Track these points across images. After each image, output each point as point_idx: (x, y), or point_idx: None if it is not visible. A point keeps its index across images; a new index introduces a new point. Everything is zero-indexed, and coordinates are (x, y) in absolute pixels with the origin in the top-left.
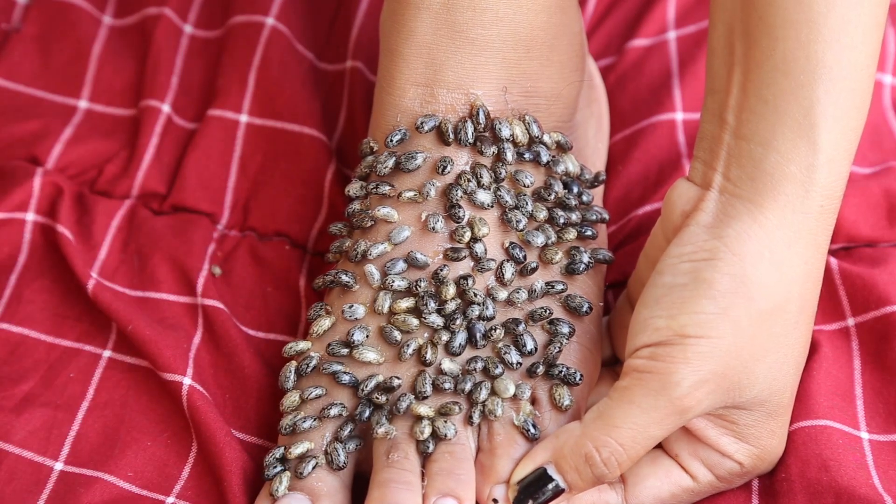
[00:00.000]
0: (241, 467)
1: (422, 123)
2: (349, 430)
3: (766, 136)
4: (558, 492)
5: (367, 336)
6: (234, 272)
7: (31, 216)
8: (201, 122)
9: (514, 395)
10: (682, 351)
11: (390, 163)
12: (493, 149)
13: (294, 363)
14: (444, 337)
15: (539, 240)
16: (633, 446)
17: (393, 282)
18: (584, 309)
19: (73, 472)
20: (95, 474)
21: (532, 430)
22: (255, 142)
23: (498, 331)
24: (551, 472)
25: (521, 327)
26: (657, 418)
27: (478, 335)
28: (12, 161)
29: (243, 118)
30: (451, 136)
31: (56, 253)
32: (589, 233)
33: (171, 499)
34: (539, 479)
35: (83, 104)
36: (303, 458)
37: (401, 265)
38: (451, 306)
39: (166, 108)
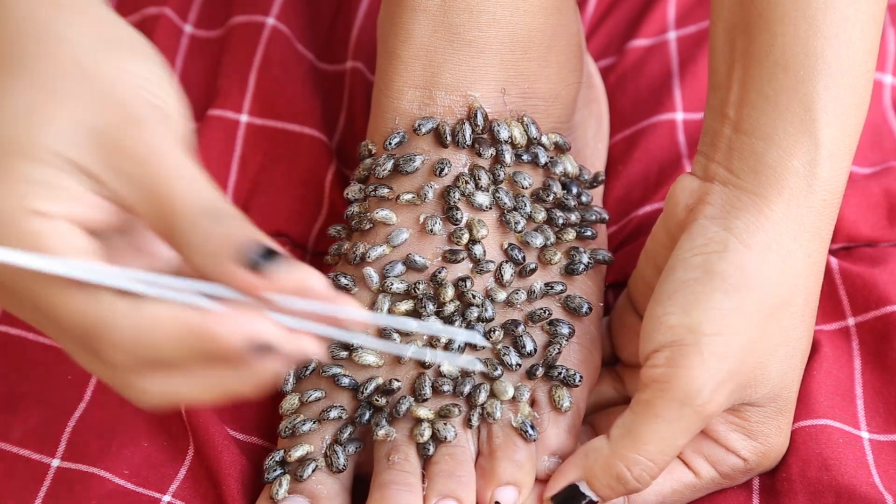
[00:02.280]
0: (240, 470)
1: (419, 126)
2: (349, 432)
3: (768, 131)
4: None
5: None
6: None
7: None
8: (201, 122)
9: (513, 398)
10: (698, 353)
11: (389, 165)
12: (492, 150)
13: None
14: (444, 339)
15: (538, 241)
16: (662, 458)
17: (392, 284)
18: (584, 309)
19: (69, 468)
20: (91, 470)
21: (530, 432)
22: (256, 142)
23: (497, 332)
24: (583, 489)
25: (521, 328)
26: (683, 428)
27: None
28: None
29: (243, 118)
30: (449, 138)
31: None
32: (588, 233)
33: (167, 497)
34: (572, 497)
35: None
36: (302, 460)
37: (399, 268)
38: (449, 308)
39: None
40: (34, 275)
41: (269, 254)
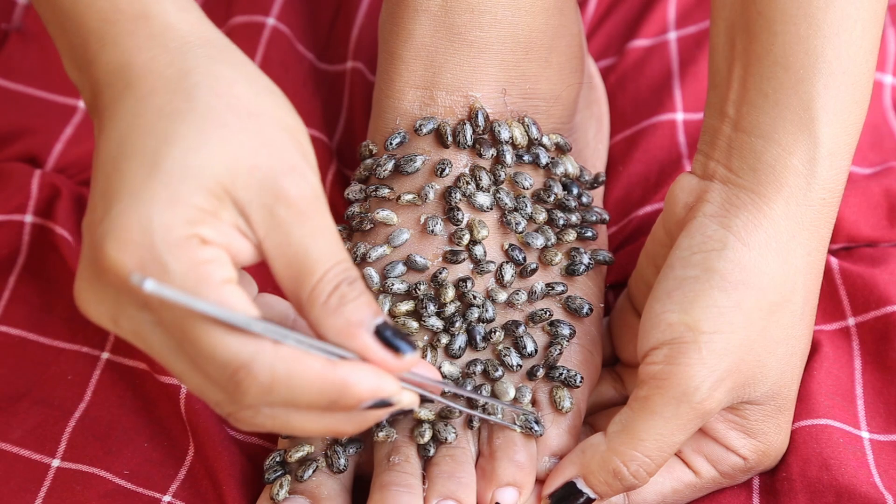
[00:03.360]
0: (240, 471)
1: (420, 126)
2: None
3: (767, 130)
4: (588, 501)
5: None
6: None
7: (29, 218)
8: None
9: (514, 399)
10: (696, 350)
11: (389, 165)
12: (492, 151)
13: None
14: (444, 339)
15: (539, 241)
16: (659, 455)
17: (392, 285)
18: (585, 310)
19: (70, 468)
20: (92, 470)
21: (535, 427)
22: None
23: (498, 333)
24: (580, 486)
25: (521, 329)
26: (680, 425)
27: (478, 337)
28: (11, 162)
29: None
30: (450, 138)
31: (55, 254)
32: (589, 234)
33: (167, 497)
34: (570, 494)
35: (83, 104)
36: (303, 461)
37: (400, 268)
38: (450, 309)
39: None
40: (192, 312)
41: (398, 335)
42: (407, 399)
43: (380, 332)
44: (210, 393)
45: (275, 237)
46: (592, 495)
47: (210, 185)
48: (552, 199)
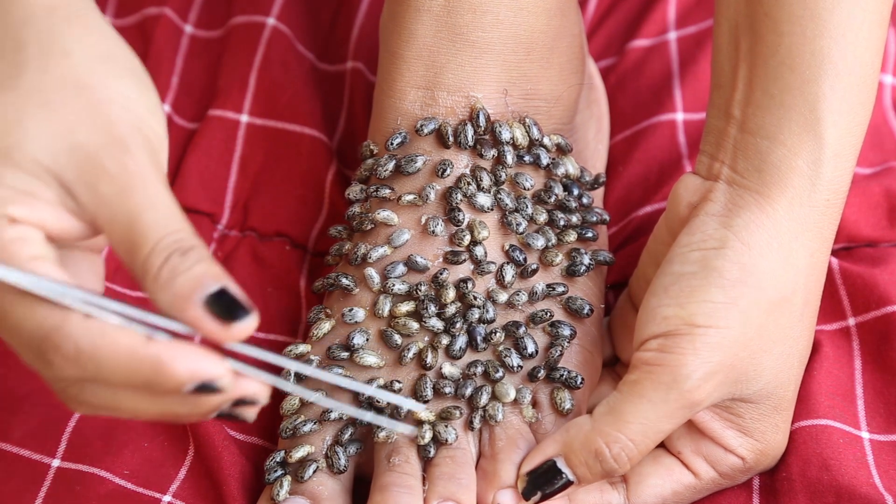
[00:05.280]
0: (240, 471)
1: (421, 126)
2: (350, 433)
3: (773, 131)
4: (567, 484)
5: (368, 340)
6: (235, 272)
7: None
8: (202, 122)
9: (515, 400)
10: (690, 341)
11: (390, 166)
12: (493, 151)
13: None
14: (445, 340)
15: (539, 242)
16: (643, 441)
17: (393, 285)
18: (586, 311)
19: (70, 468)
20: (92, 470)
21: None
22: (256, 142)
23: (498, 334)
24: (560, 465)
25: (522, 330)
26: (667, 412)
27: (478, 338)
28: None
29: (244, 118)
30: (451, 138)
31: None
32: (589, 234)
33: (167, 497)
34: (548, 472)
35: None
36: (303, 461)
37: (401, 268)
38: (451, 310)
39: (166, 108)
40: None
41: (234, 303)
42: (241, 389)
43: (214, 302)
44: (36, 365)
45: (103, 214)
46: (571, 477)
47: (24, 164)
48: (553, 199)
